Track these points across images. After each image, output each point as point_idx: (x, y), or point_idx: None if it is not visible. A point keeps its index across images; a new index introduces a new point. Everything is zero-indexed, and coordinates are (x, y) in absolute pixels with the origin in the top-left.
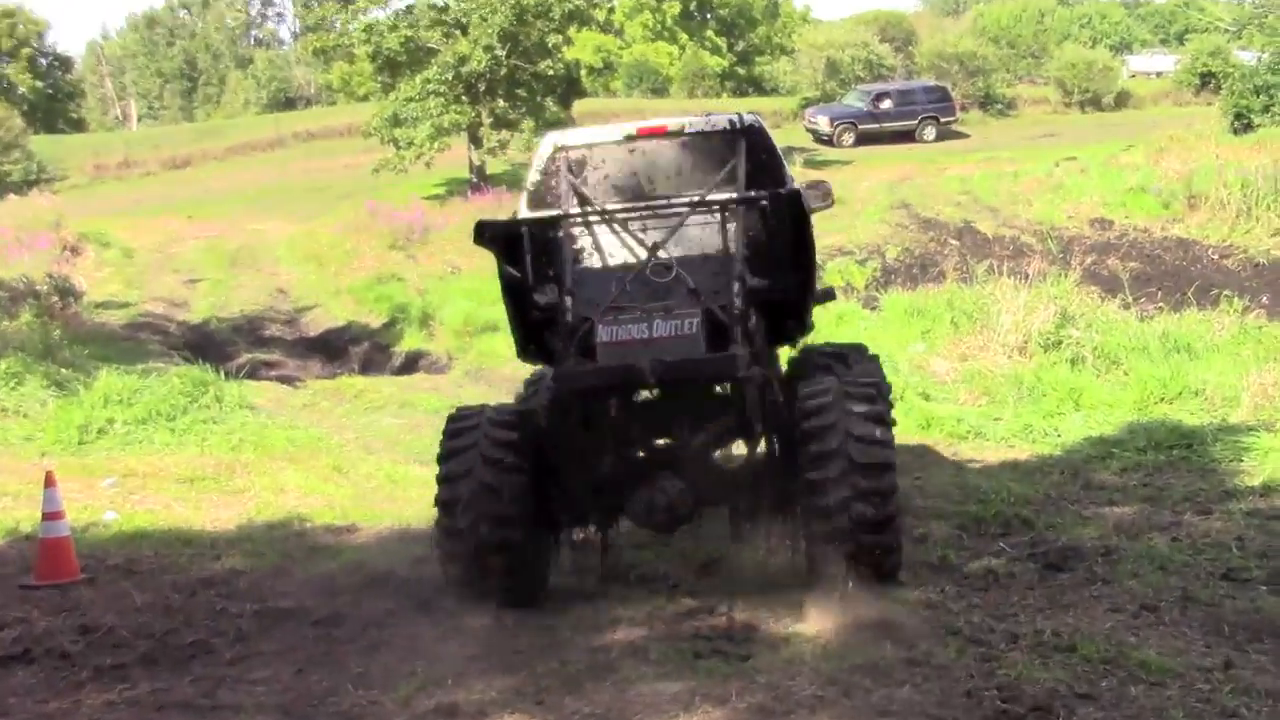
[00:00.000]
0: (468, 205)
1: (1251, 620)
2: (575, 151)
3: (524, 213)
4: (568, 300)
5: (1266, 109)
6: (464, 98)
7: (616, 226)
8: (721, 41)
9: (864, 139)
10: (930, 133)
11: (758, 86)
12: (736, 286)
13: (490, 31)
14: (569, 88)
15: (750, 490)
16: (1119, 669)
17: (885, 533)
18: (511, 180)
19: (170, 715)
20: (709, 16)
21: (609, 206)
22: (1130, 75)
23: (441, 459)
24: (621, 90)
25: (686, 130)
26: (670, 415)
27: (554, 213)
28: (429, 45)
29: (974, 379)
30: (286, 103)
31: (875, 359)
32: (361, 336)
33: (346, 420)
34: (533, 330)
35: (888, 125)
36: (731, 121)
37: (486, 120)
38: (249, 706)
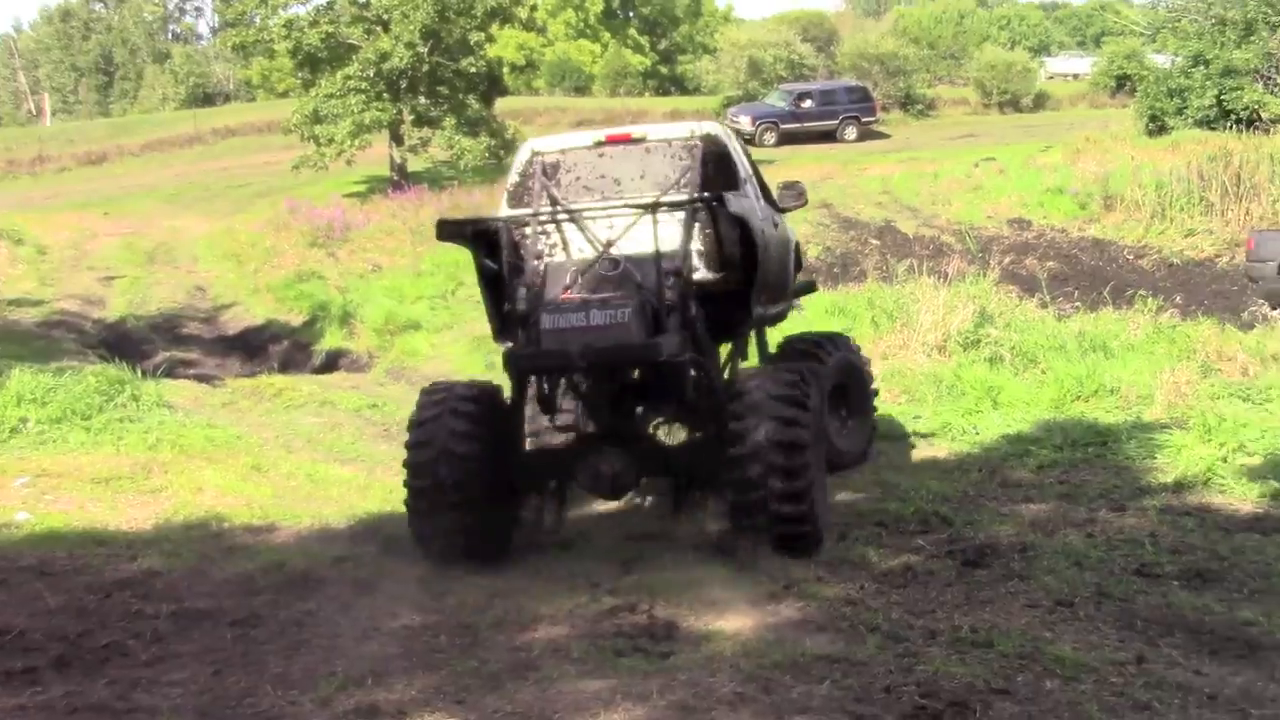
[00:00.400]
0: (389, 203)
1: (1164, 615)
2: (550, 156)
3: (504, 211)
4: (521, 291)
5: (1180, 111)
6: (385, 95)
7: (578, 225)
8: (644, 40)
9: (786, 138)
10: (851, 132)
11: (680, 85)
12: (672, 280)
13: (412, 28)
14: (491, 85)
15: (688, 465)
16: (1035, 664)
17: (799, 504)
18: (433, 178)
19: (84, 719)
20: (632, 15)
21: (550, 208)
22: (1048, 77)
23: (412, 426)
24: (544, 88)
25: (649, 138)
26: (619, 395)
27: (497, 216)
28: (350, 41)
29: (894, 378)
30: (205, 98)
31: (848, 347)
32: (281, 335)
33: (266, 419)
34: (508, 317)
35: (809, 125)
36: (690, 130)
37: (408, 117)
38: (165, 709)
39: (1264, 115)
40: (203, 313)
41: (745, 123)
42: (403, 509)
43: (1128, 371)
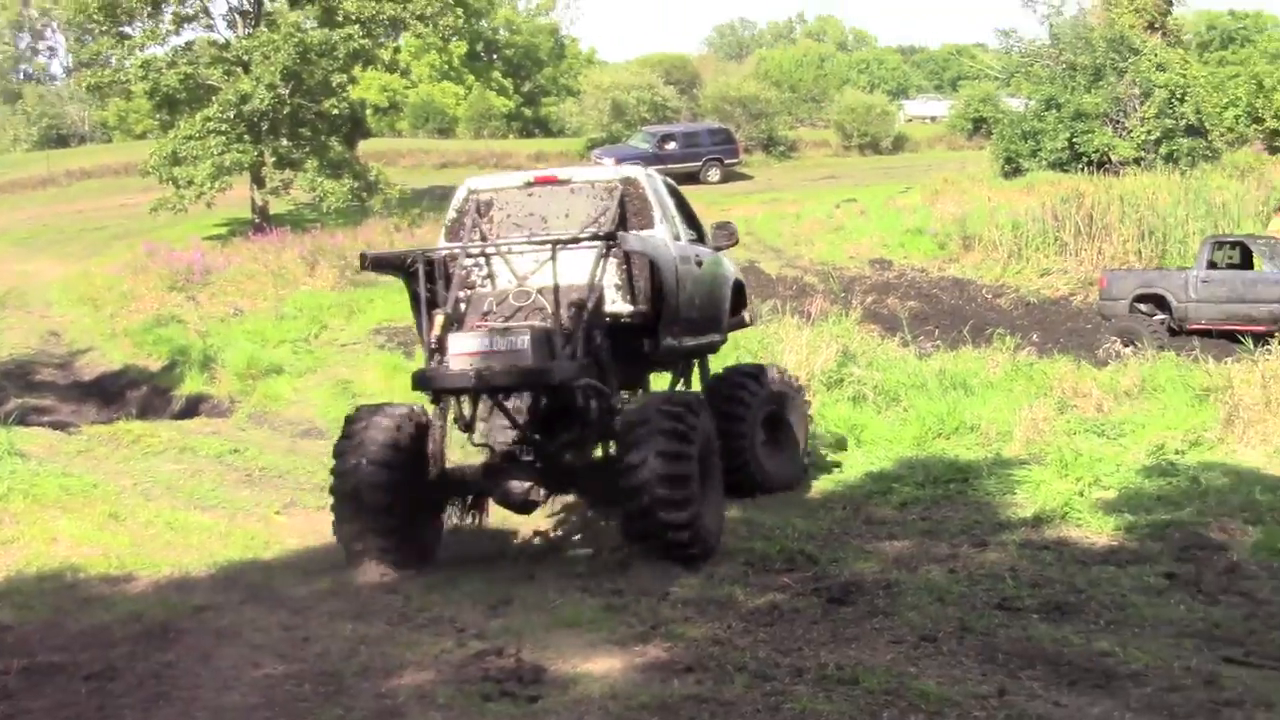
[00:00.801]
0: (250, 246)
1: (1024, 648)
2: (484, 194)
3: (441, 244)
4: (439, 318)
5: (1034, 154)
6: (246, 136)
7: (503, 258)
8: (508, 83)
9: None
10: (714, 174)
11: (544, 127)
12: (573, 310)
13: (273, 69)
14: (354, 127)
15: (590, 485)
16: (900, 699)
17: (684, 527)
18: (295, 220)
19: None
20: (495, 57)
21: (479, 243)
22: (907, 120)
23: (336, 451)
24: (408, 130)
25: (574, 180)
26: (531, 416)
27: (418, 249)
28: (209, 83)
29: None
30: (59, 140)
31: (783, 378)
32: (140, 380)
33: (123, 466)
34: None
35: (673, 166)
36: (612, 174)
37: (269, 159)
38: None
39: (1113, 157)
40: (57, 358)
41: (609, 164)
42: (265, 555)
43: (987, 409)
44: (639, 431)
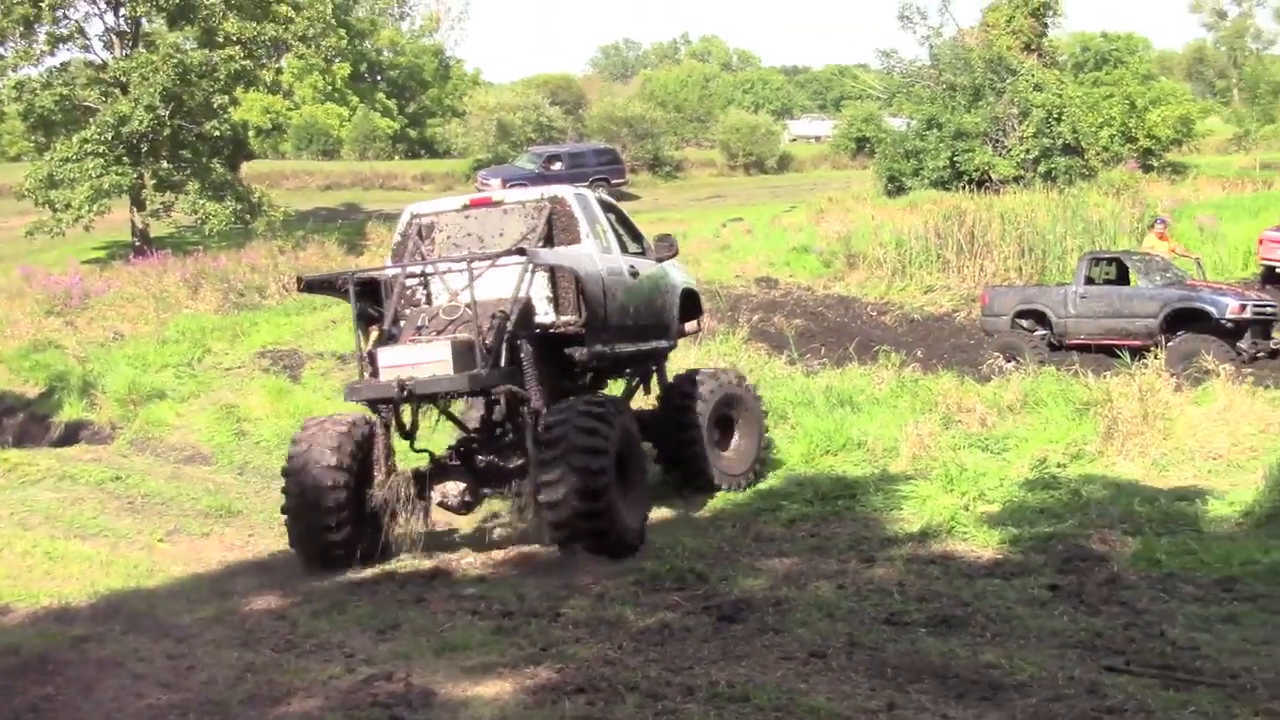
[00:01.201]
0: (131, 269)
1: (912, 662)
2: (426, 218)
3: (387, 264)
4: (374, 334)
5: (916, 172)
6: (125, 159)
7: (438, 277)
8: (392, 104)
9: None
10: (601, 194)
11: (430, 148)
12: (495, 322)
13: (152, 91)
14: (236, 149)
15: (520, 485)
16: (790, 715)
17: (599, 520)
18: (177, 243)
19: None
20: (379, 79)
21: (418, 264)
22: (791, 139)
23: (287, 459)
24: (291, 152)
25: (506, 201)
26: (468, 422)
27: (339, 272)
28: (86, 104)
29: None
30: None
31: (736, 380)
32: (16, 407)
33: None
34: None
35: None
36: (540, 194)
37: (149, 182)
38: None
39: (994, 176)
40: None
41: (495, 185)
42: (148, 583)
43: (874, 425)
44: (555, 448)
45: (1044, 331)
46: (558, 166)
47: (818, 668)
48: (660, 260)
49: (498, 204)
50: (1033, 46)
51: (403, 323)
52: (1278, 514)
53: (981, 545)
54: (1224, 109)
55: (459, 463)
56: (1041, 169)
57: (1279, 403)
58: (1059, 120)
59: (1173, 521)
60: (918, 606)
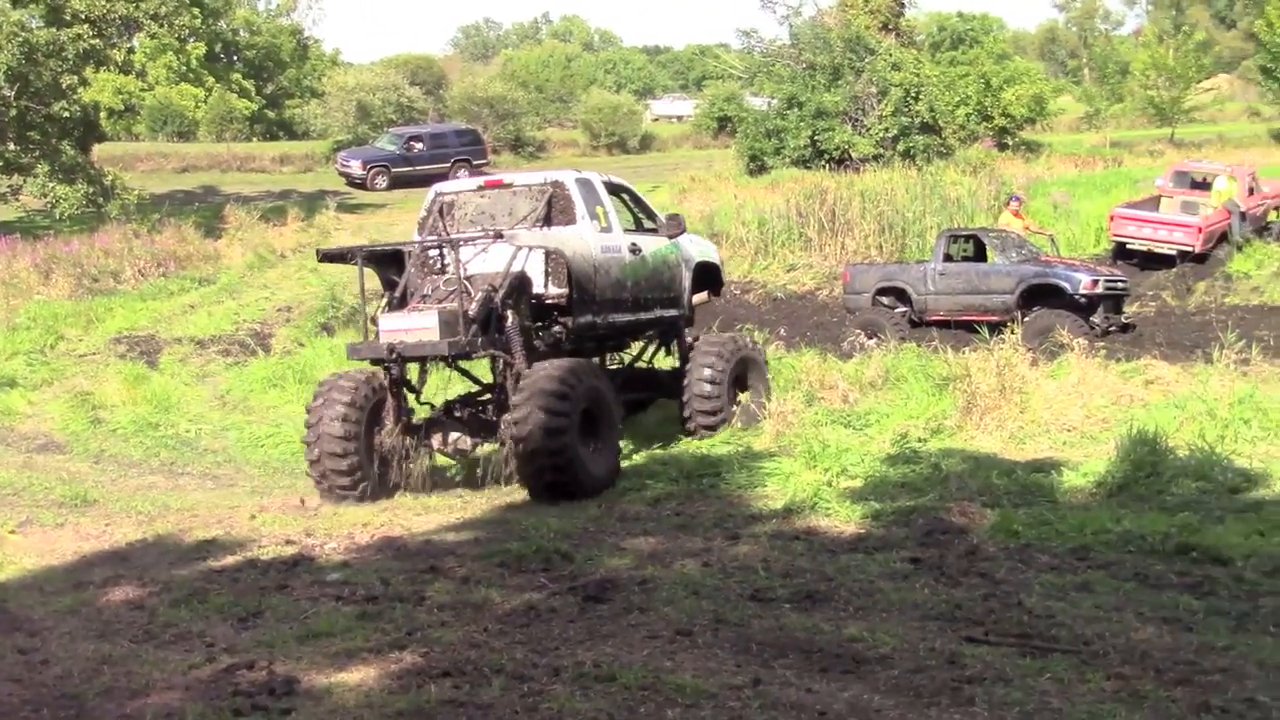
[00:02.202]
0: None
1: (777, 638)
2: (448, 197)
3: (415, 237)
4: (382, 302)
5: (778, 151)
6: None
7: (451, 251)
8: (249, 84)
9: (398, 182)
10: (463, 175)
11: (289, 130)
12: (483, 294)
13: None
14: (87, 131)
15: (502, 435)
16: (657, 694)
17: (560, 469)
18: (26, 228)
19: None
20: (236, 59)
21: (435, 239)
22: (653, 119)
23: (307, 410)
24: (145, 133)
25: (515, 184)
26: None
27: (352, 246)
28: None
29: None
30: None
31: (749, 344)
32: None
33: None
34: None
35: (420, 168)
36: (544, 178)
37: None
38: None
39: (854, 154)
40: None
41: (356, 167)
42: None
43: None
44: (525, 392)
45: (904, 308)
46: (419, 147)
47: (684, 645)
48: (672, 237)
49: (508, 186)
50: (890, 26)
51: (407, 292)
52: (1129, 484)
53: (844, 520)
54: (1075, 88)
55: (458, 415)
56: (900, 147)
57: (1130, 376)
58: (917, 99)
59: (1029, 493)
60: (782, 582)
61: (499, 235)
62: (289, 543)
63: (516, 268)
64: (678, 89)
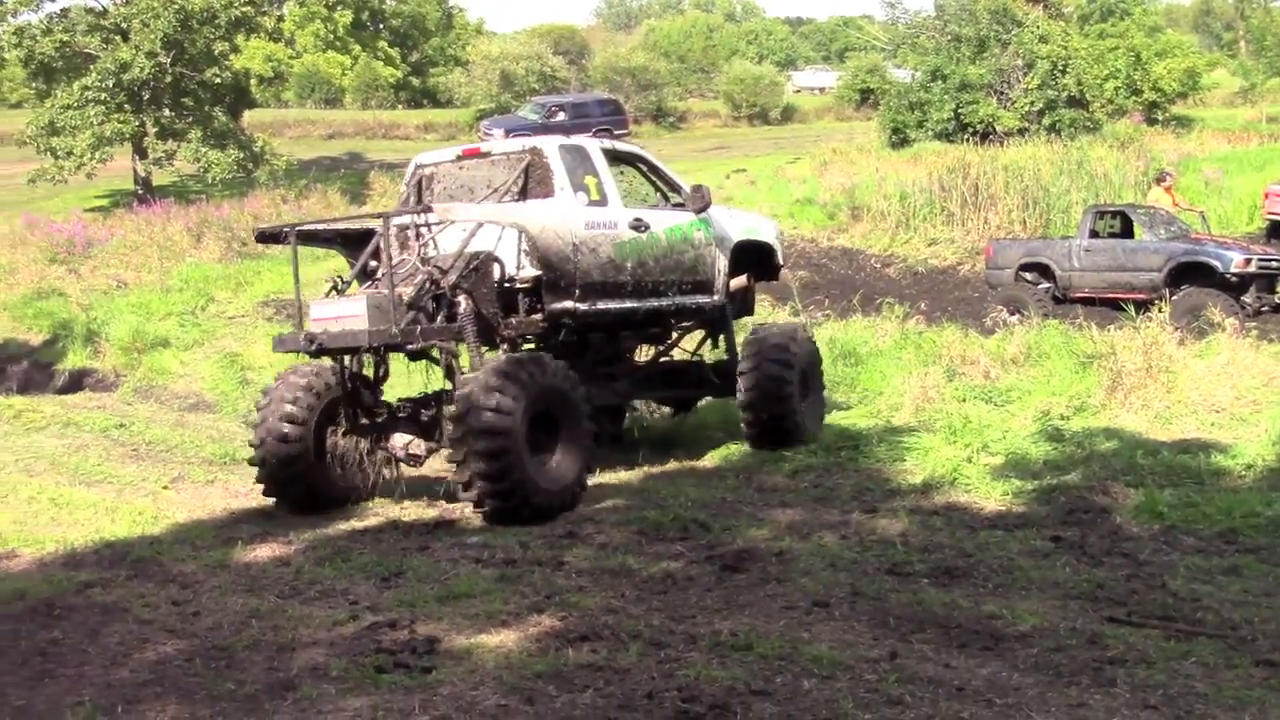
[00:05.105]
0: (134, 218)
1: (915, 612)
2: (428, 169)
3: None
4: (325, 285)
5: (920, 124)
6: (126, 106)
7: (419, 229)
8: (395, 52)
9: None
10: (614, 144)
11: (433, 98)
12: (421, 278)
13: (153, 38)
14: (238, 97)
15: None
16: (793, 664)
17: (500, 482)
18: (180, 192)
19: None
20: (382, 27)
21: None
22: (795, 90)
23: (257, 405)
24: (293, 100)
25: (493, 153)
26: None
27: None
28: (87, 51)
29: None
30: None
31: (804, 339)
32: (20, 355)
33: (5, 443)
34: None
35: None
36: (522, 145)
37: (151, 130)
38: None
39: (998, 128)
40: None
41: (498, 135)
42: (153, 529)
43: (877, 377)
44: (461, 392)
45: (1048, 285)
46: (561, 117)
47: (821, 617)
48: (698, 212)
49: (485, 155)
50: None
51: (374, 275)
52: None
53: (984, 497)
54: (1230, 61)
55: (402, 415)
56: (1046, 121)
57: None
58: (1064, 72)
59: (1175, 474)
60: (921, 557)
61: (428, 209)
62: (430, 504)
63: (475, 247)
64: (820, 60)
